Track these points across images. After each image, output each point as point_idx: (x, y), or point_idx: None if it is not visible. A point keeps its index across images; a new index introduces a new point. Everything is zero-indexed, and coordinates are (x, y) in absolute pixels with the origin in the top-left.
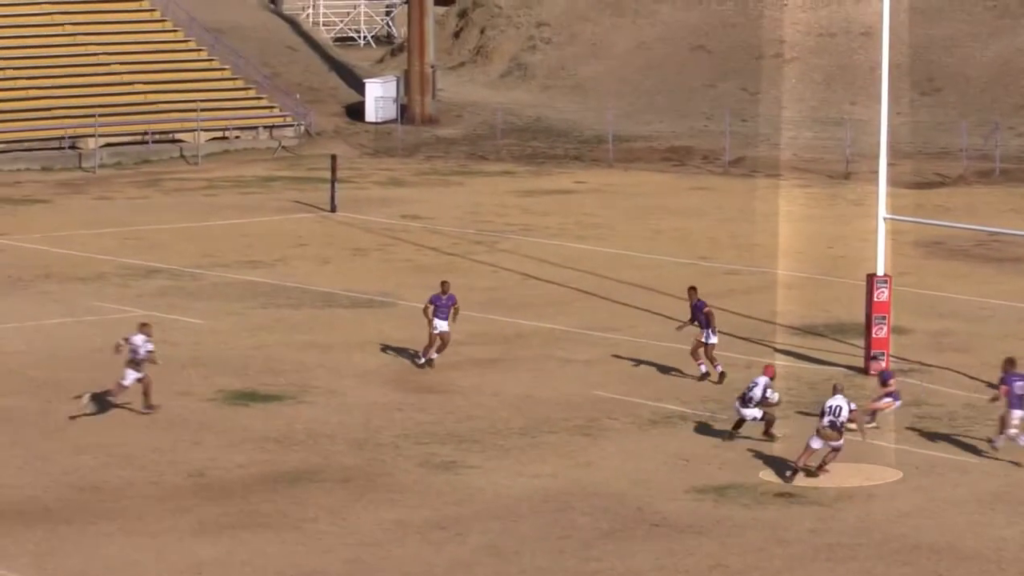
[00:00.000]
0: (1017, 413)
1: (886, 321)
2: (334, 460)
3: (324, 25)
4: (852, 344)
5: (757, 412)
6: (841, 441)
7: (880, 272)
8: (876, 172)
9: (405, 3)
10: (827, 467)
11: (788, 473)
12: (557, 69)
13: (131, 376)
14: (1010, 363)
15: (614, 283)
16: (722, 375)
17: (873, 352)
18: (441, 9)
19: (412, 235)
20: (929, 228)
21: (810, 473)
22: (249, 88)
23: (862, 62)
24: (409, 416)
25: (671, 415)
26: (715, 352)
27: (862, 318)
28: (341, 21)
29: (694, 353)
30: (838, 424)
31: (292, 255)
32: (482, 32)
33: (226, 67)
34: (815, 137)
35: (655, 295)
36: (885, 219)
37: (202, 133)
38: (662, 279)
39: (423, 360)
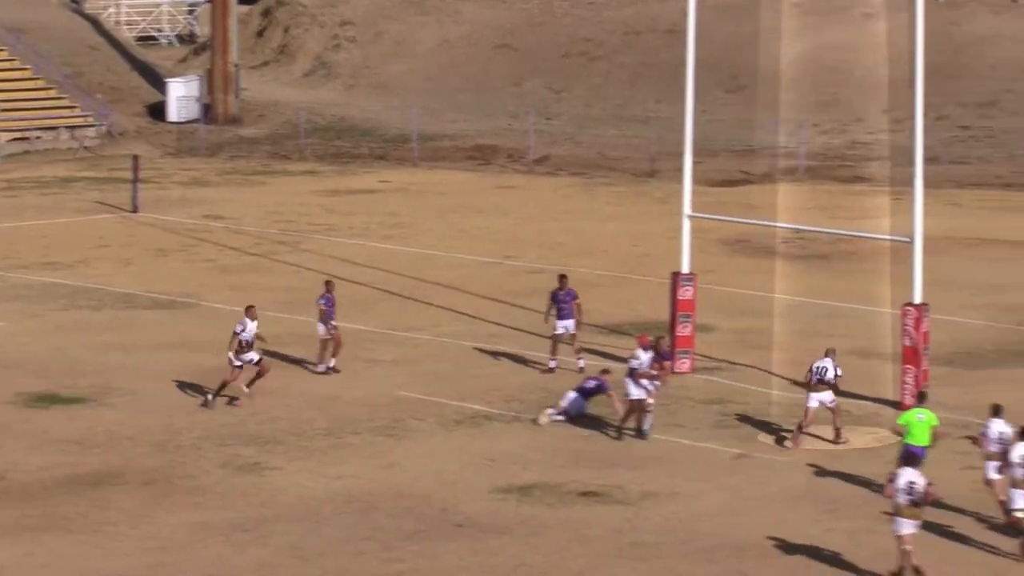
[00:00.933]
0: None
1: (691, 319)
2: (136, 462)
3: (126, 24)
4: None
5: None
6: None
7: (685, 270)
8: (681, 170)
9: (208, 2)
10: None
11: (792, 436)
12: (361, 68)
13: None
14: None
15: (419, 283)
16: (551, 369)
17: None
18: (244, 8)
19: (215, 235)
20: (734, 226)
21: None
22: (50, 88)
23: (667, 60)
24: (212, 417)
25: (476, 415)
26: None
27: (667, 316)
28: (143, 20)
29: (555, 346)
30: (825, 380)
31: (93, 256)
32: (286, 31)
33: (27, 67)
34: (620, 135)
35: (460, 295)
36: (690, 217)
37: (2, 134)
38: (467, 278)
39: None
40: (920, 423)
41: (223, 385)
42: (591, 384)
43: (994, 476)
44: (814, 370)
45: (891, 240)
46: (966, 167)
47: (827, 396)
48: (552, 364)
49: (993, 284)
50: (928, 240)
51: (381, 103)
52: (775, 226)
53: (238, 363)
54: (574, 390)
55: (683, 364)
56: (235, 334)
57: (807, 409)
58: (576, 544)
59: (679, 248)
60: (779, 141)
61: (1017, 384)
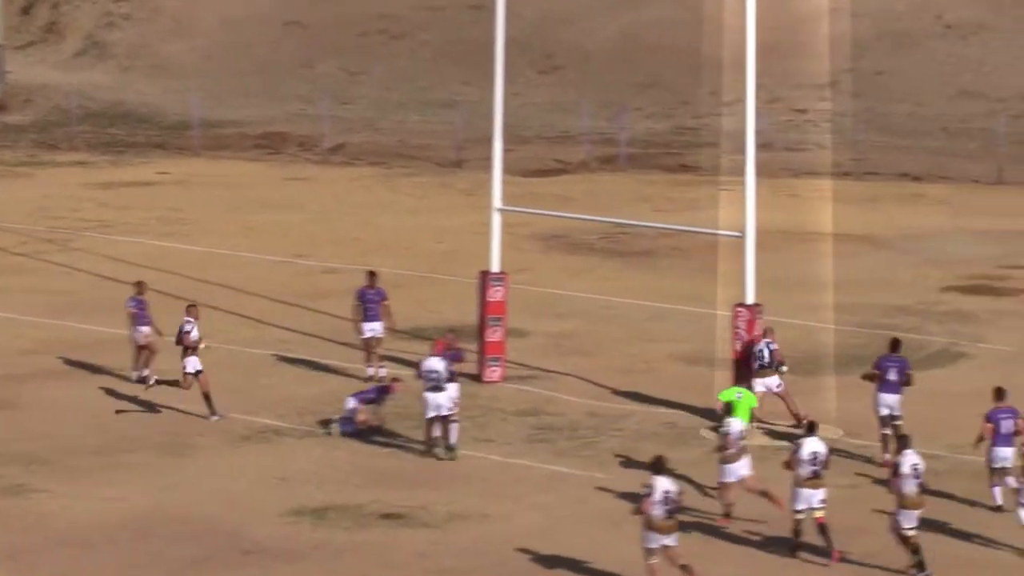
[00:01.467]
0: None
1: (501, 323)
2: None
3: None
4: (464, 349)
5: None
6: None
7: (495, 268)
8: (490, 159)
9: None
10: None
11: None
12: (137, 47)
13: None
14: (999, 395)
15: (202, 285)
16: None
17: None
18: None
19: None
20: (549, 220)
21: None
22: None
23: (475, 38)
24: None
25: (266, 430)
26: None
27: (475, 319)
28: None
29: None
30: (767, 364)
31: None
32: (54, 7)
33: None
34: (424, 121)
35: (247, 297)
36: (500, 210)
37: None
38: (255, 280)
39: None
40: (739, 402)
41: (206, 397)
42: (371, 394)
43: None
44: (755, 353)
45: (721, 235)
46: (803, 154)
47: (773, 381)
48: (370, 372)
49: (832, 282)
50: (761, 235)
51: (159, 86)
52: (594, 220)
53: (191, 370)
54: (353, 396)
55: (493, 373)
56: (185, 333)
57: (757, 394)
58: (377, 571)
59: (488, 245)
60: (598, 127)
61: (856, 392)
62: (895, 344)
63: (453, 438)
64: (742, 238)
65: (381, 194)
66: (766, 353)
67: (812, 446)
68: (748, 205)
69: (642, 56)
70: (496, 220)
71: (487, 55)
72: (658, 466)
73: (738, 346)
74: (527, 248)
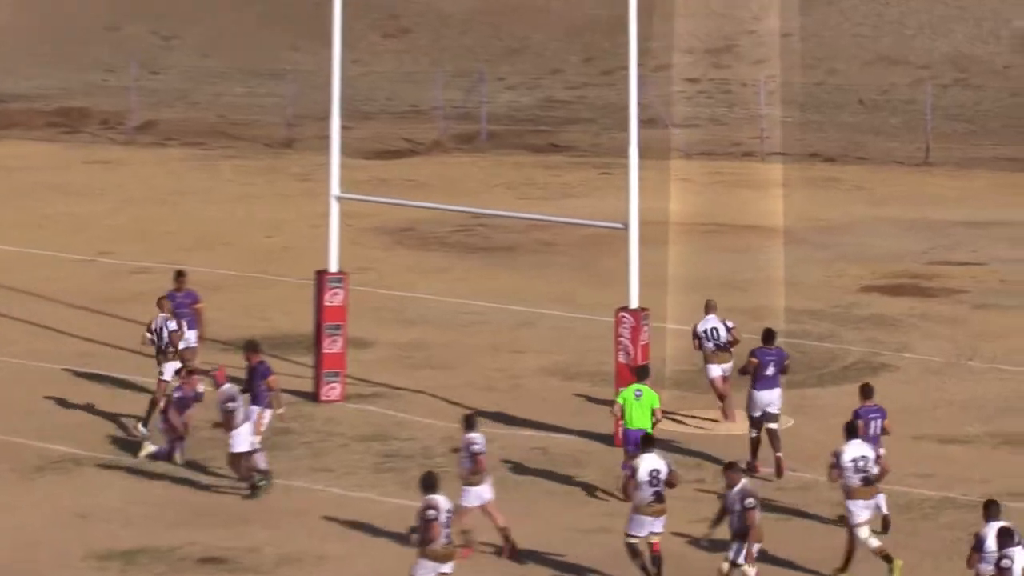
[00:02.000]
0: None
1: (342, 331)
2: None
3: None
4: (297, 362)
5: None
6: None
7: (333, 268)
8: (326, 138)
9: None
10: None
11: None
12: None
13: None
14: (866, 392)
15: None
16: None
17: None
18: None
19: None
20: (396, 210)
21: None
22: None
23: None
24: None
25: (63, 458)
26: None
27: (310, 327)
28: None
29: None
30: (723, 345)
31: None
32: None
33: None
34: (249, 94)
35: (41, 302)
36: (339, 199)
37: None
38: (50, 281)
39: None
40: (638, 403)
41: (153, 406)
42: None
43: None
44: (702, 334)
45: (600, 227)
46: (696, 131)
47: (728, 366)
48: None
49: (733, 281)
50: (647, 226)
51: None
52: (449, 210)
53: (167, 375)
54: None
55: (332, 390)
56: (174, 331)
57: (712, 380)
58: None
59: (325, 239)
60: (453, 100)
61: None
62: (769, 334)
63: (262, 463)
64: (625, 230)
65: (198, 180)
66: (722, 331)
67: (651, 463)
68: (631, 191)
69: (505, 18)
70: (334, 210)
71: (322, 16)
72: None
73: (622, 358)
74: (371, 243)
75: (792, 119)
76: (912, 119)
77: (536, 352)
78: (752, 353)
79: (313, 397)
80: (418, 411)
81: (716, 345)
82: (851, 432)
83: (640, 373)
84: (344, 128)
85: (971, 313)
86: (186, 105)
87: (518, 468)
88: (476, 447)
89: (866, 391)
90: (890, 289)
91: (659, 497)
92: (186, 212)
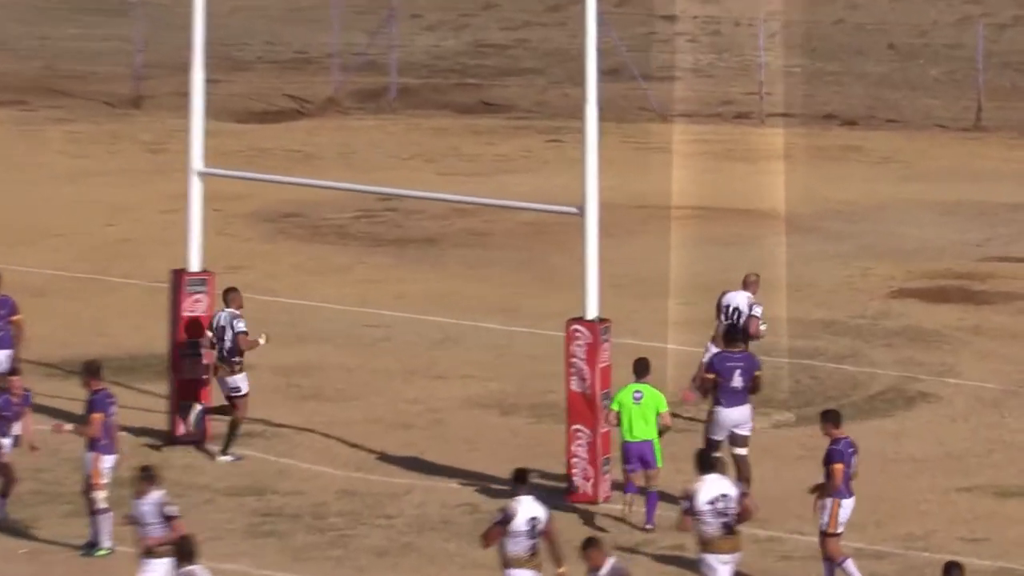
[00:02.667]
0: (847, 503)
1: (205, 350)
2: None
3: None
4: (147, 391)
5: None
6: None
7: (194, 266)
8: (186, 95)
9: None
10: None
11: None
12: None
13: None
14: (833, 421)
15: None
16: None
17: None
18: None
19: None
20: (279, 190)
21: None
22: None
23: None
24: None
25: None
26: None
27: (164, 345)
28: None
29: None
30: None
31: None
32: None
33: None
34: (83, 36)
35: None
36: (202, 175)
37: None
38: None
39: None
40: (638, 407)
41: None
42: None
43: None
44: (724, 307)
45: (547, 211)
46: (672, 85)
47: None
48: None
49: (721, 283)
50: (611, 211)
51: None
52: (348, 189)
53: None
54: None
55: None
56: (244, 333)
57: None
58: None
59: (184, 229)
60: (353, 44)
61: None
62: (732, 334)
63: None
64: (580, 216)
65: (17, 151)
66: (743, 309)
67: (530, 510)
68: (589, 166)
69: None
70: (196, 190)
71: None
72: (520, 476)
73: (575, 384)
74: (246, 234)
75: (800, 69)
76: (959, 69)
77: (463, 377)
78: (710, 364)
79: (167, 437)
80: (307, 456)
81: (731, 326)
82: (706, 464)
83: (639, 369)
84: (210, 82)
85: None
86: (3, 53)
87: (440, 530)
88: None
89: (833, 419)
90: (930, 294)
91: (534, 551)
92: (0, 194)
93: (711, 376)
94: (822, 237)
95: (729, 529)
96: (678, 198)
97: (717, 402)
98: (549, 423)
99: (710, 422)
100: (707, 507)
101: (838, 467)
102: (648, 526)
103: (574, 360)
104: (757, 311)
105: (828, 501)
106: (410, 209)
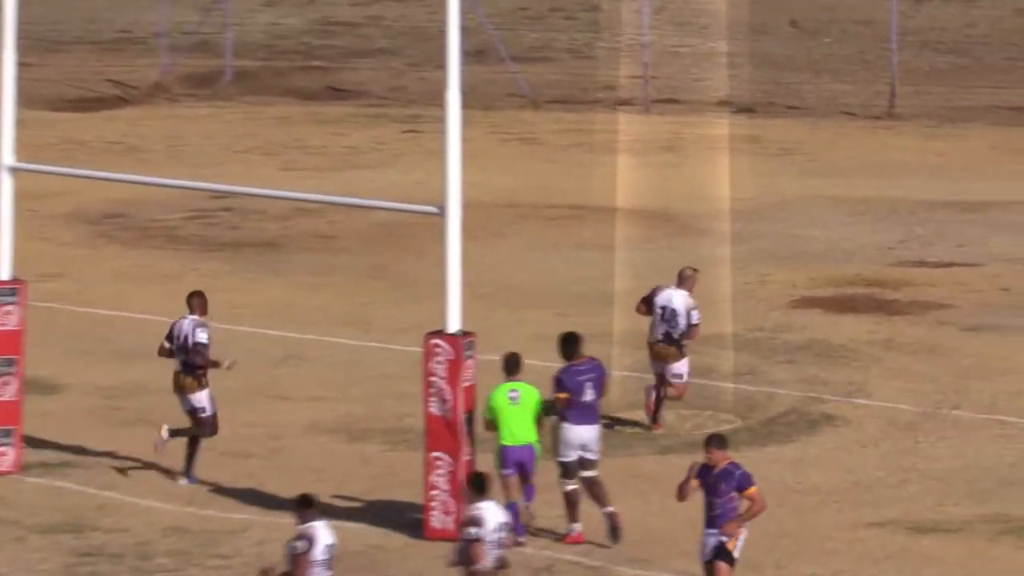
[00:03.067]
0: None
1: (15, 369)
2: None
3: None
4: None
5: None
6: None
7: (3, 274)
8: None
9: None
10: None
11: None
12: None
13: None
14: (718, 445)
15: None
16: None
17: None
18: None
19: None
20: (101, 188)
21: None
22: None
23: None
24: None
25: None
26: None
27: None
28: None
29: None
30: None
31: None
32: None
33: None
34: None
35: None
36: (12, 170)
37: None
38: None
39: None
40: (515, 408)
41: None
42: None
43: None
44: (658, 310)
45: (404, 211)
46: (548, 68)
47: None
48: None
49: (597, 293)
50: (476, 211)
51: None
52: (179, 187)
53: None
54: None
55: (3, 458)
56: (204, 345)
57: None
58: None
59: None
60: (183, 22)
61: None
62: (572, 343)
63: None
64: (441, 216)
65: None
66: (682, 320)
67: (325, 536)
68: (450, 159)
69: None
70: (6, 187)
71: None
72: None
73: (434, 406)
74: (63, 237)
75: (690, 49)
76: (870, 49)
77: (308, 399)
78: (557, 379)
79: None
80: (131, 488)
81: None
82: (480, 486)
83: (510, 366)
84: (21, 65)
85: (958, 338)
86: None
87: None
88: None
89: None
90: (837, 303)
91: (501, 564)
92: None
93: (563, 396)
94: (715, 239)
95: (502, 564)
96: (552, 196)
97: (564, 419)
98: (405, 450)
99: (559, 444)
100: (492, 536)
101: (756, 491)
102: (520, 539)
103: (433, 379)
104: (696, 317)
105: (743, 533)
106: (248, 209)
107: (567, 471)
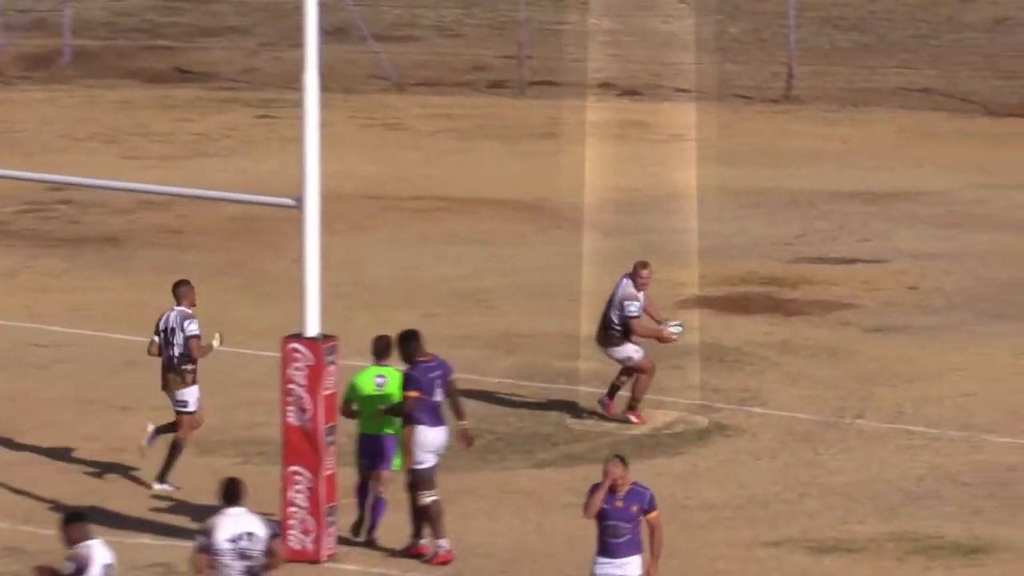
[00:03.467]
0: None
1: None
2: None
3: None
4: None
5: None
6: None
7: None
8: None
9: None
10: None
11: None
12: None
13: None
14: (623, 464)
15: None
16: None
17: None
18: None
19: None
20: None
21: None
22: None
23: None
24: None
25: None
26: None
27: None
28: None
29: None
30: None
31: None
32: None
33: None
34: None
35: None
36: None
37: None
38: None
39: None
40: (377, 394)
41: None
42: None
43: None
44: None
45: (260, 204)
46: (413, 47)
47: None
48: None
49: (463, 289)
50: (337, 204)
51: None
52: (10, 177)
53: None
54: None
55: None
56: (196, 337)
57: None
58: None
59: None
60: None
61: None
62: (414, 341)
63: None
64: (298, 209)
65: None
66: (634, 307)
67: (102, 556)
68: (308, 148)
69: None
70: None
71: None
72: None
73: (292, 416)
74: None
75: (570, 27)
76: (766, 27)
77: (153, 408)
78: (409, 376)
79: None
80: None
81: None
82: (231, 494)
83: (380, 349)
84: None
85: (862, 341)
86: None
87: None
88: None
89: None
90: (731, 303)
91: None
92: None
93: (415, 394)
94: (597, 234)
95: (253, 574)
96: (418, 186)
97: (417, 421)
98: (260, 463)
99: (414, 448)
100: (228, 545)
101: (658, 514)
102: (373, 535)
103: (292, 387)
104: (631, 309)
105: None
106: (88, 201)
107: (423, 480)
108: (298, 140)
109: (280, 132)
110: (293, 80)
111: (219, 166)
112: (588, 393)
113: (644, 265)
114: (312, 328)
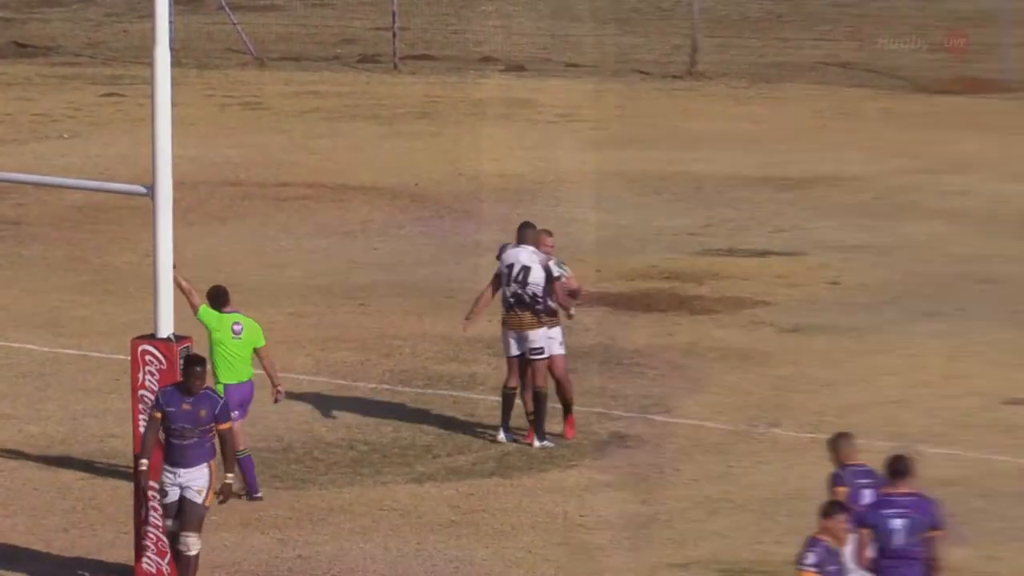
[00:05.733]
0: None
1: None
2: None
3: None
4: None
5: None
6: None
7: None
8: None
9: None
10: None
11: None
12: None
13: None
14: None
15: None
16: None
17: None
18: None
19: None
20: None
21: None
22: None
23: None
24: None
25: None
26: None
27: None
28: None
29: None
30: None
31: None
32: None
33: None
34: None
35: None
36: None
37: None
38: None
39: None
40: (238, 342)
41: None
42: None
43: None
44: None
45: (108, 192)
46: (277, 18)
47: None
48: None
49: (332, 284)
50: (191, 190)
51: None
52: None
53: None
54: None
55: None
56: None
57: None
58: None
59: None
60: None
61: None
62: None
63: None
64: (148, 197)
65: None
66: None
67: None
68: (159, 127)
69: None
70: None
71: None
72: None
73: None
74: None
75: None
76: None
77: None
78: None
79: None
80: None
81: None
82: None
83: (216, 297)
84: None
85: (777, 342)
86: None
87: None
88: None
89: None
90: (629, 300)
91: None
92: None
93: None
94: (477, 223)
95: None
96: (283, 172)
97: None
98: (110, 478)
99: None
100: None
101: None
102: (256, 495)
103: (143, 392)
104: (558, 270)
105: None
106: None
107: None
108: (148, 121)
109: (129, 112)
110: (142, 54)
111: (61, 150)
112: (470, 400)
113: (549, 233)
114: (165, 328)
